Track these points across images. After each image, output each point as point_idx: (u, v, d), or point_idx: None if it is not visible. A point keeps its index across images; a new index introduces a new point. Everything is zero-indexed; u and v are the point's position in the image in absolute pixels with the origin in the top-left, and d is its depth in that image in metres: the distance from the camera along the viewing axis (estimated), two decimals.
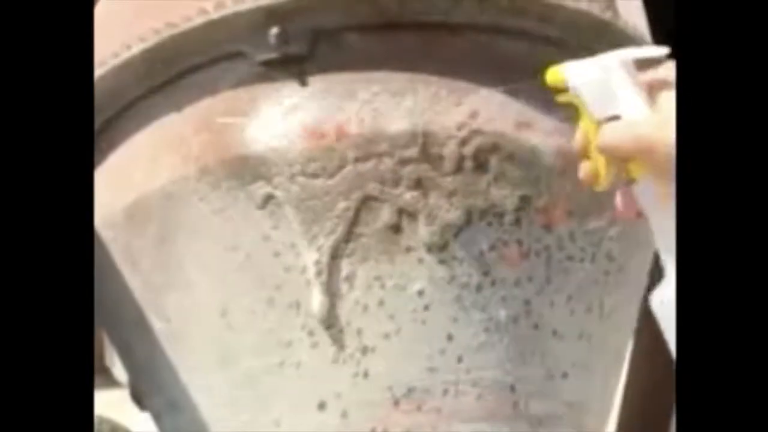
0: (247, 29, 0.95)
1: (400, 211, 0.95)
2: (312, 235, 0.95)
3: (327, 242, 0.95)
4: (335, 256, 0.95)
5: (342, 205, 0.94)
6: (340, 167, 0.94)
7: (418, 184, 0.95)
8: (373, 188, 0.94)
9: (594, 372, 1.06)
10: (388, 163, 0.94)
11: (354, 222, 0.95)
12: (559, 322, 1.01)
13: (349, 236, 0.95)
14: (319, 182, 0.94)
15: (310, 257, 0.95)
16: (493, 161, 0.96)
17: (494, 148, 0.96)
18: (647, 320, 1.46)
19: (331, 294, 0.95)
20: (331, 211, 0.94)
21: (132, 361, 1.08)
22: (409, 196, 0.94)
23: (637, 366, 1.50)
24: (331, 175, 0.94)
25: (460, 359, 0.97)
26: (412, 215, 0.95)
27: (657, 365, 1.49)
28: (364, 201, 0.94)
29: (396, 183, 0.94)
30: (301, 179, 0.94)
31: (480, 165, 0.96)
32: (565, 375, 1.02)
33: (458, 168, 0.95)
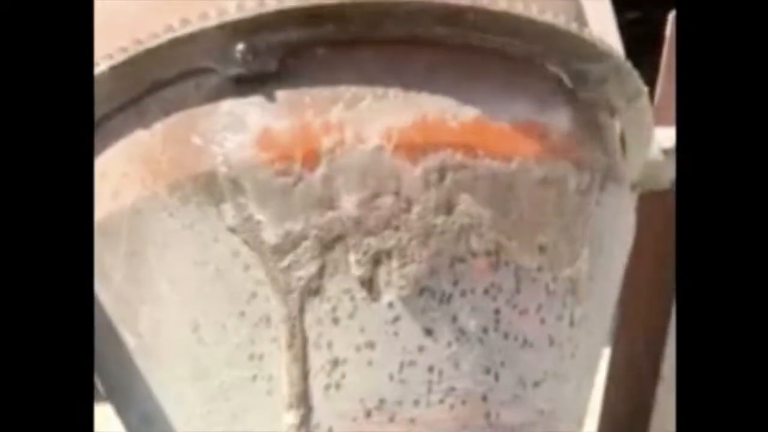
0: (213, 46, 0.95)
1: (372, 254, 0.95)
2: (282, 252, 0.95)
3: (297, 259, 0.95)
4: (305, 269, 0.96)
5: (312, 232, 0.95)
6: (310, 194, 0.94)
7: (388, 223, 0.95)
8: (343, 229, 0.94)
9: (566, 380, 1.06)
10: (358, 194, 0.94)
11: (324, 251, 0.95)
12: (529, 331, 1.01)
13: (320, 256, 0.95)
14: (288, 207, 0.95)
15: (280, 271, 0.96)
16: (464, 202, 0.96)
17: (465, 181, 0.96)
18: (624, 327, 1.47)
19: (300, 309, 0.96)
20: (301, 234, 0.95)
21: (105, 376, 1.08)
22: (378, 237, 0.95)
23: (617, 373, 1.50)
24: (301, 201, 0.94)
25: (431, 370, 0.97)
26: (385, 254, 0.95)
27: (637, 372, 1.49)
28: (334, 240, 0.95)
29: (366, 222, 0.95)
30: (271, 203, 0.95)
31: (451, 205, 0.96)
32: (536, 384, 1.03)
33: (433, 207, 0.96)
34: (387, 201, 0.94)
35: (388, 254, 0.95)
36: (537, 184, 1.00)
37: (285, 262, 0.95)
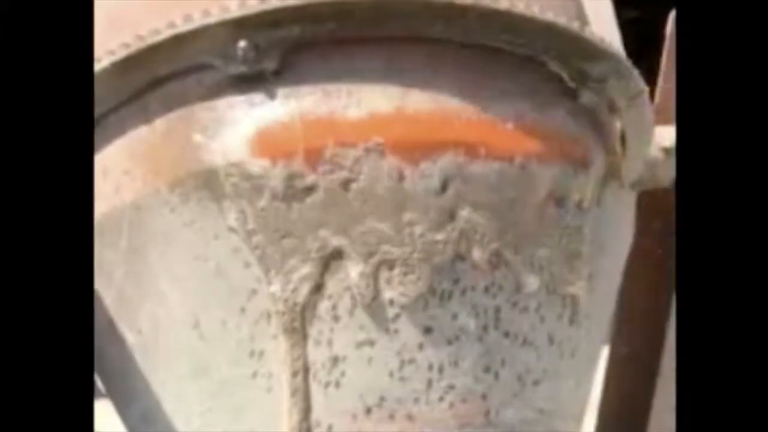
0: (215, 42, 0.95)
1: (373, 266, 0.95)
2: (282, 253, 0.95)
3: (298, 261, 0.95)
4: (305, 267, 0.96)
5: (311, 255, 0.95)
6: (311, 196, 0.94)
7: (389, 241, 0.95)
8: (341, 237, 0.95)
9: (566, 378, 1.07)
10: (359, 192, 0.94)
11: (325, 266, 0.95)
12: (529, 329, 1.02)
13: (320, 272, 0.96)
14: (290, 211, 0.95)
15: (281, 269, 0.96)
16: (466, 211, 0.97)
17: (467, 192, 0.96)
18: (622, 326, 1.47)
19: (302, 306, 0.96)
20: (302, 239, 0.95)
21: (105, 373, 1.09)
22: (379, 253, 0.95)
23: (615, 372, 1.50)
24: (301, 203, 0.95)
25: (430, 368, 0.98)
26: (387, 264, 0.95)
27: (634, 371, 1.50)
28: (334, 255, 0.95)
29: (363, 219, 0.95)
30: (273, 204, 0.95)
31: (453, 213, 0.96)
32: (536, 382, 1.03)
33: (436, 222, 0.96)
34: (387, 221, 0.94)
35: (390, 265, 0.95)
36: (540, 190, 0.99)
37: (290, 285, 0.96)
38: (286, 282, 0.95)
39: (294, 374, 0.97)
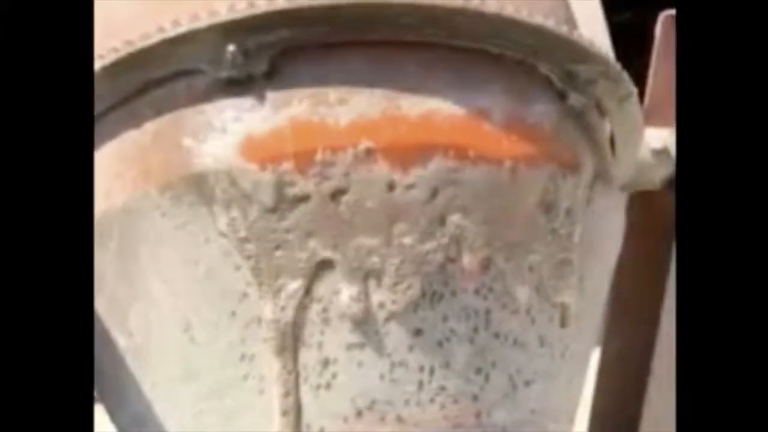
0: (204, 47, 0.95)
1: (362, 274, 0.95)
2: (276, 267, 0.96)
3: (288, 277, 0.96)
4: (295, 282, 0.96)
5: (300, 248, 0.95)
6: (302, 206, 0.95)
7: (380, 252, 0.95)
8: (331, 250, 0.95)
9: (557, 379, 1.07)
10: (349, 204, 0.95)
11: (314, 276, 0.96)
12: (520, 331, 1.02)
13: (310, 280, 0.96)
14: (281, 220, 0.95)
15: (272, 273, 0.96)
16: (456, 217, 0.97)
17: (457, 199, 0.96)
18: (616, 324, 1.47)
19: (292, 324, 0.96)
20: (292, 250, 0.95)
21: (97, 377, 1.09)
22: (372, 255, 0.95)
23: (607, 371, 1.51)
24: (292, 212, 0.95)
25: (421, 370, 0.98)
26: (375, 273, 0.96)
27: (627, 369, 1.50)
28: (320, 264, 0.95)
29: (353, 232, 0.95)
30: (264, 214, 0.95)
31: (443, 219, 0.96)
32: (527, 383, 1.03)
33: (426, 231, 0.96)
34: (378, 236, 0.95)
35: (380, 275, 0.95)
36: (530, 195, 1.00)
37: (280, 304, 0.96)
38: (276, 302, 0.95)
39: (285, 394, 0.97)
